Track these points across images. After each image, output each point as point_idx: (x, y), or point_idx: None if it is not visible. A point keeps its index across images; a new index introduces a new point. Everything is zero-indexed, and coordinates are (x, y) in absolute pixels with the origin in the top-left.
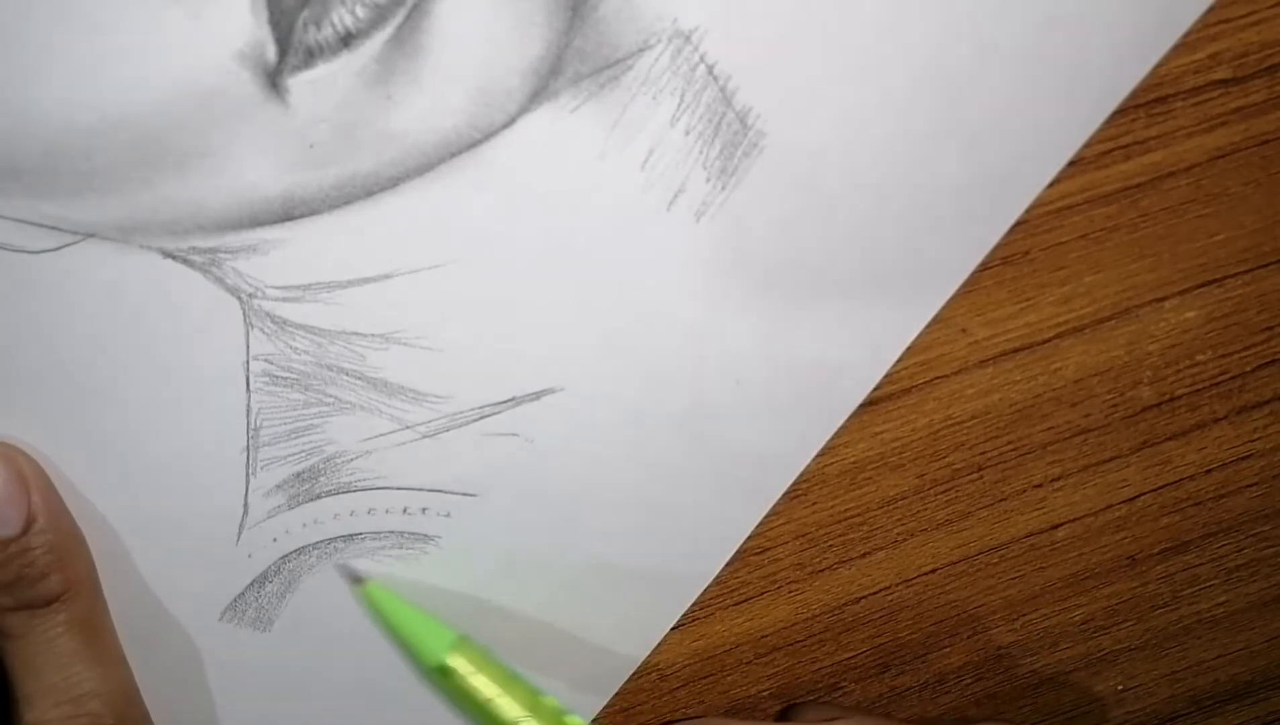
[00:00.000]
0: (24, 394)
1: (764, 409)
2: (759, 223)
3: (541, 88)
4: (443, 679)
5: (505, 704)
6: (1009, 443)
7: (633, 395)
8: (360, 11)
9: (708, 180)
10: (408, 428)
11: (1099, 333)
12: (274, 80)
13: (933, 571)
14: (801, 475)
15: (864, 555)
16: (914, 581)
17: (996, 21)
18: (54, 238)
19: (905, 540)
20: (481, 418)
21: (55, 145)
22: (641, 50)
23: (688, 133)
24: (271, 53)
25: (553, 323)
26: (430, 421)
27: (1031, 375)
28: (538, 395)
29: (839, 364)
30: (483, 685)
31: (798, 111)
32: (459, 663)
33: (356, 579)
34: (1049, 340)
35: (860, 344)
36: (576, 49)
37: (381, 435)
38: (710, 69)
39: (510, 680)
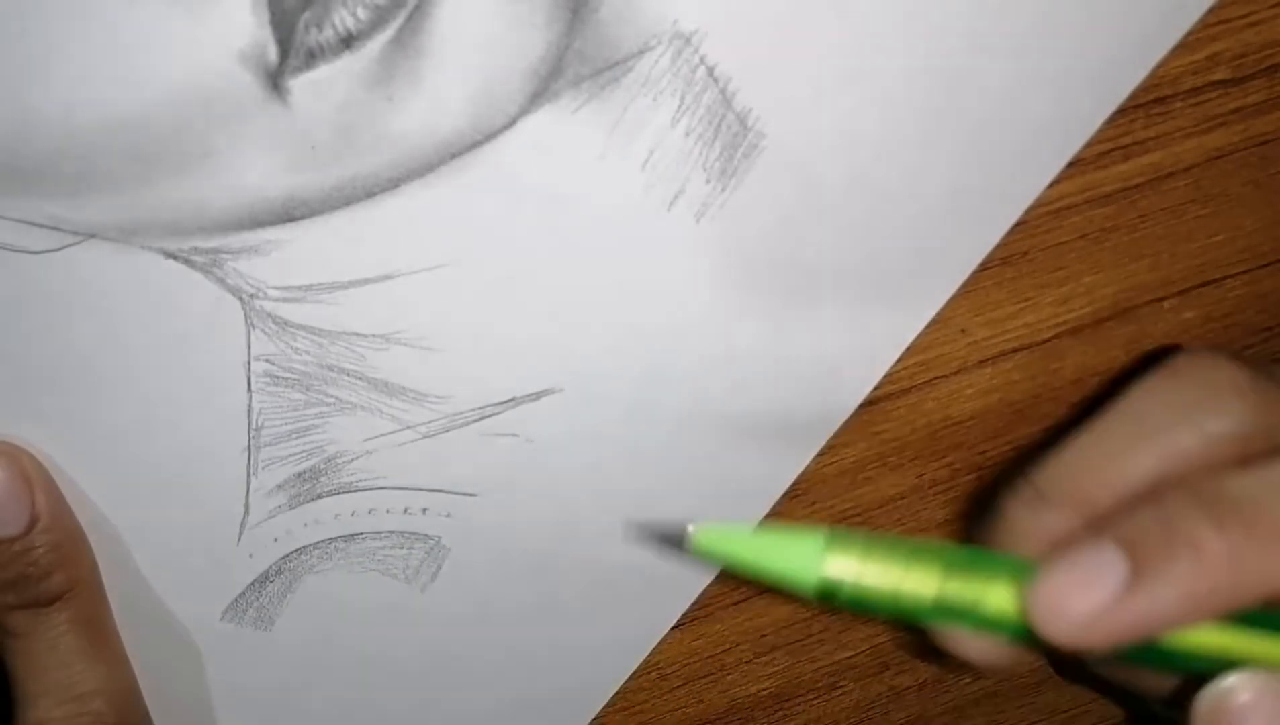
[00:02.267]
0: (26, 394)
1: (764, 409)
2: (759, 223)
3: (542, 89)
4: (831, 595)
5: (913, 588)
6: (1008, 442)
7: (632, 396)
8: (361, 13)
9: (708, 181)
10: (408, 428)
11: (1098, 333)
12: (275, 81)
13: None
14: (801, 475)
15: None
16: None
17: (994, 22)
18: (55, 238)
19: None
20: (482, 418)
21: (58, 145)
22: (642, 52)
23: (688, 134)
24: (273, 54)
25: (553, 323)
26: (431, 422)
27: (1031, 375)
28: (538, 396)
29: (839, 364)
30: (878, 579)
31: (797, 112)
32: (840, 568)
33: (681, 540)
34: (1048, 340)
35: (860, 344)
36: (577, 50)
37: (382, 435)
38: (710, 70)
39: (909, 555)
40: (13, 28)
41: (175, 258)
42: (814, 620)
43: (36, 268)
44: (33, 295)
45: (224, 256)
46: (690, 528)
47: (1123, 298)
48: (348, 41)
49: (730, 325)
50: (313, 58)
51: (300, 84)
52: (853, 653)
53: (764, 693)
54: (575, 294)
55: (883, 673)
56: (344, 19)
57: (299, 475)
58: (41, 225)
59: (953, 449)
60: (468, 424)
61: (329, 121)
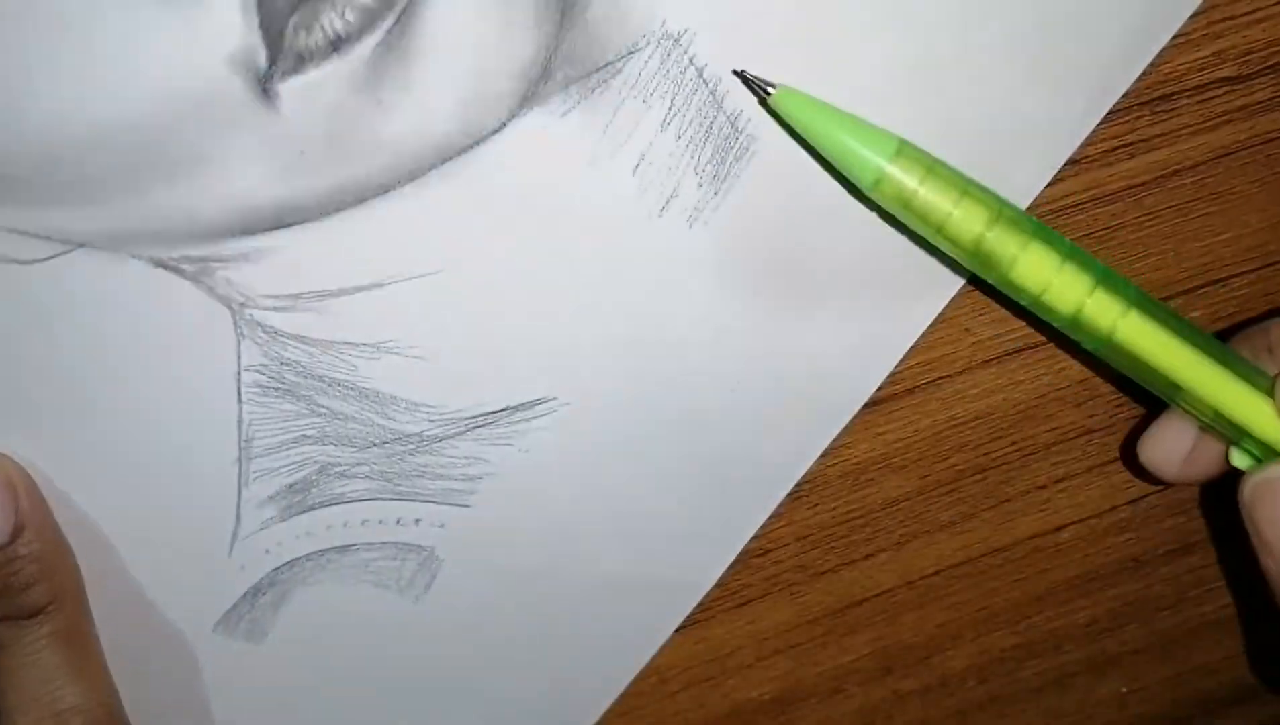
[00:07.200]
0: (15, 403)
1: (761, 415)
2: (753, 226)
3: (531, 92)
4: (883, 194)
5: (960, 221)
6: (1012, 443)
7: (627, 403)
8: (350, 15)
9: (700, 185)
10: (401, 438)
11: None
12: (265, 86)
13: (936, 573)
14: (803, 477)
15: (866, 557)
16: (917, 583)
17: (988, 19)
18: (46, 247)
19: (908, 542)
20: (475, 428)
21: (49, 153)
22: (630, 53)
23: (679, 137)
24: (262, 58)
25: (545, 331)
26: (423, 432)
27: (1035, 375)
28: (531, 405)
29: (838, 368)
30: (934, 200)
31: None
32: (903, 173)
33: (764, 87)
34: (1052, 339)
35: (859, 347)
36: (565, 52)
37: (375, 446)
38: (700, 71)
39: (965, 188)
40: (3, 37)
41: (165, 266)
42: (816, 624)
43: (27, 277)
44: (23, 304)
45: (214, 265)
46: (775, 85)
47: None
48: (336, 45)
49: (726, 329)
50: (302, 61)
51: (290, 88)
52: (855, 656)
53: (765, 697)
54: (568, 301)
55: (886, 676)
56: (333, 21)
57: (290, 487)
58: (32, 234)
59: (956, 450)
60: (461, 434)
61: (319, 126)
